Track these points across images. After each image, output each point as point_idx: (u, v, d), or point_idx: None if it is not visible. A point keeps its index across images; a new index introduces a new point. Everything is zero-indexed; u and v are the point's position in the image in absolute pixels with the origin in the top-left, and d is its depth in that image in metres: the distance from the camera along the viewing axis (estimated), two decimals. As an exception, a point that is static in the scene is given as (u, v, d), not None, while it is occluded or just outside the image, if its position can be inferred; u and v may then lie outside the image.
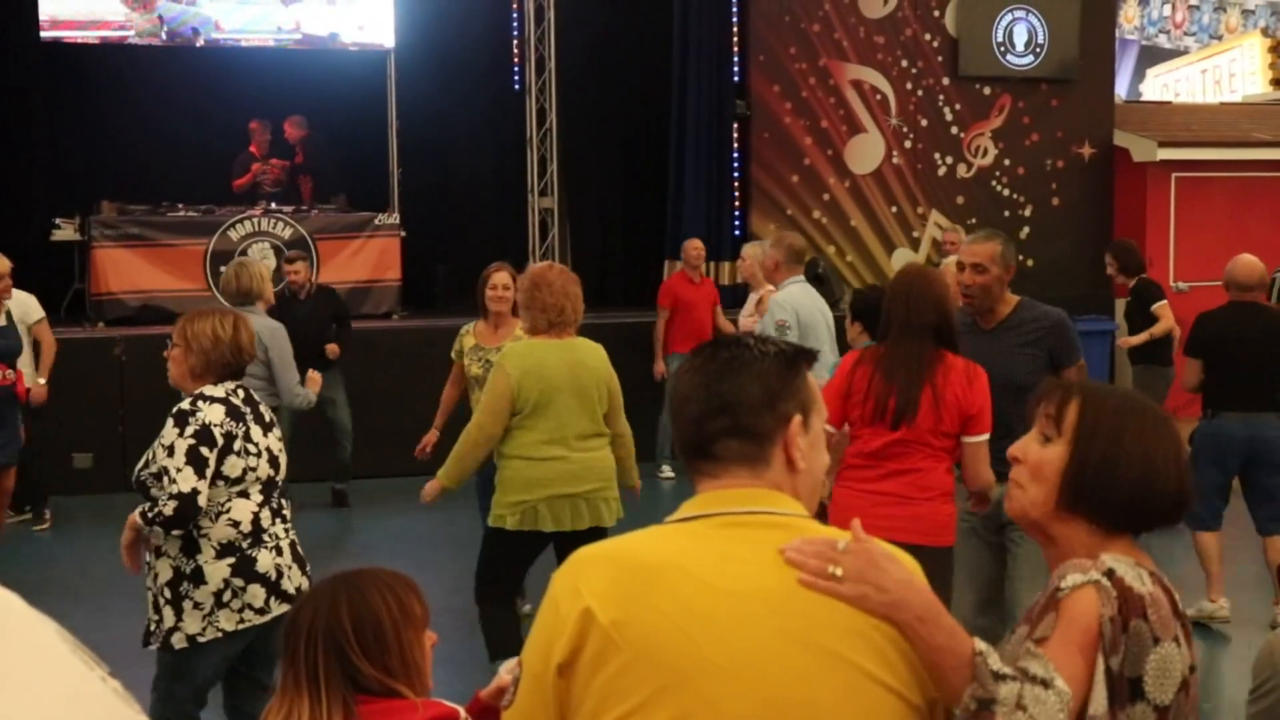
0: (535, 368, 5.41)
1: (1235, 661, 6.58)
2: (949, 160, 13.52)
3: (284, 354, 6.91)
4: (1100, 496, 2.19)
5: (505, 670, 2.41)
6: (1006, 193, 13.68)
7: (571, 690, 1.85)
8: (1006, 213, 13.60)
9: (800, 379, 2.00)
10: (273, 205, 12.06)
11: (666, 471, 10.81)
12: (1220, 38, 23.07)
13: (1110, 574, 2.11)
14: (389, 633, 2.45)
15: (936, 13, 13.40)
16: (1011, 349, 5.14)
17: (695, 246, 11.13)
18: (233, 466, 4.22)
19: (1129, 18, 24.21)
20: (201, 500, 4.13)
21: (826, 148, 13.11)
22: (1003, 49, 13.55)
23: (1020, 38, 13.59)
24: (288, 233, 11.72)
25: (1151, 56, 24.26)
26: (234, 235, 11.60)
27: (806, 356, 2.04)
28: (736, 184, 13.15)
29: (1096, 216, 13.77)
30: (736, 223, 13.06)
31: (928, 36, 13.39)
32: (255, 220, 11.72)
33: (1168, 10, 24.33)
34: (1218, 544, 6.96)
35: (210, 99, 12.73)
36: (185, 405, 4.24)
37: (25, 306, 8.56)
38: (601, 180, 14.21)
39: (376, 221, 12.11)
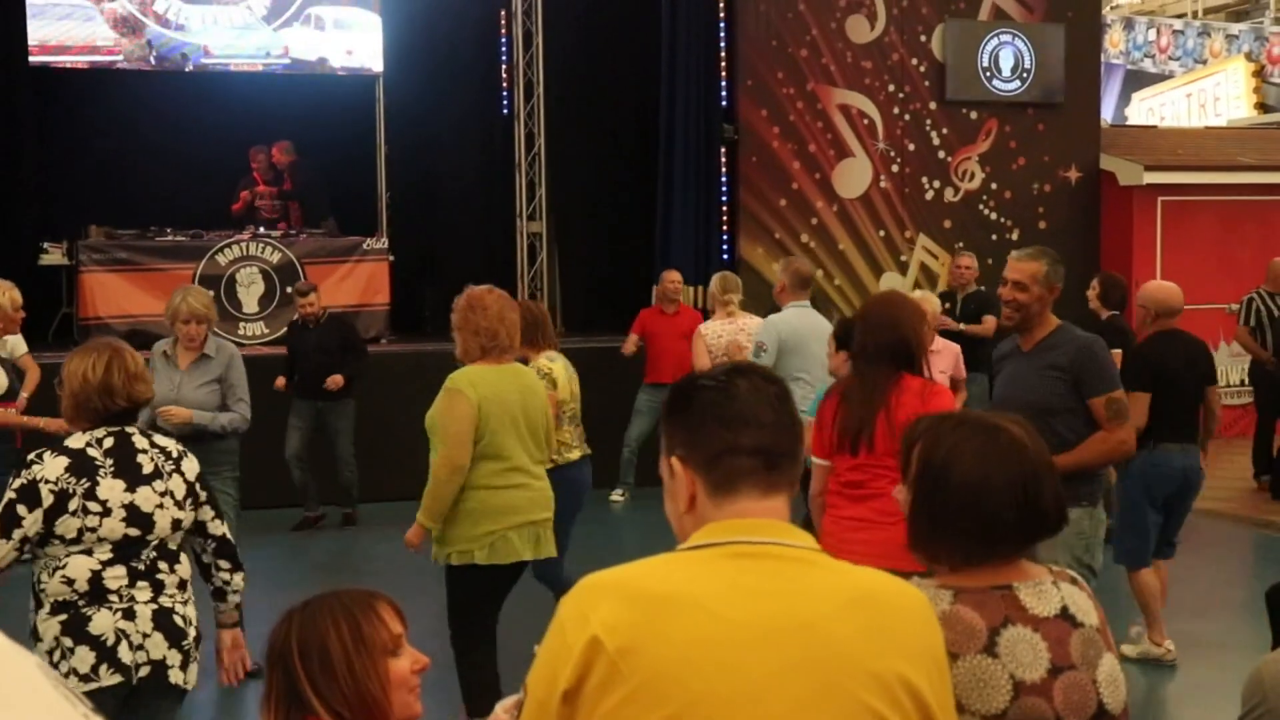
0: (492, 395, 5.25)
1: (1227, 687, 6.58)
2: (936, 184, 13.56)
3: (244, 375, 6.62)
4: (930, 542, 2.30)
5: (502, 709, 2.38)
6: (994, 216, 13.73)
7: (575, 718, 1.84)
8: (994, 236, 13.63)
9: None
10: (261, 230, 12.07)
11: (617, 495, 10.73)
12: (1205, 62, 23.22)
13: None
14: (337, 660, 2.38)
15: (923, 38, 13.46)
16: (1037, 372, 5.05)
17: (672, 279, 10.94)
18: (66, 526, 3.87)
19: (1114, 42, 24.36)
20: None
21: (814, 172, 13.15)
22: (989, 74, 13.61)
23: (1006, 62, 13.65)
24: (276, 257, 11.72)
25: (1137, 80, 24.41)
26: (222, 260, 11.59)
27: None
28: (725, 208, 13.16)
29: (1084, 240, 13.81)
30: (725, 247, 13.08)
31: (914, 61, 13.45)
32: (243, 245, 11.72)
33: (1153, 35, 24.49)
34: (1158, 580, 6.84)
35: (199, 123, 12.74)
36: (32, 455, 3.97)
37: (15, 341, 8.55)
38: (590, 204, 14.23)
39: (365, 246, 12.12)
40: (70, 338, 11.53)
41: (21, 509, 3.86)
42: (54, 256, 11.62)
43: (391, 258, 12.21)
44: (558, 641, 1.88)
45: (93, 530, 3.88)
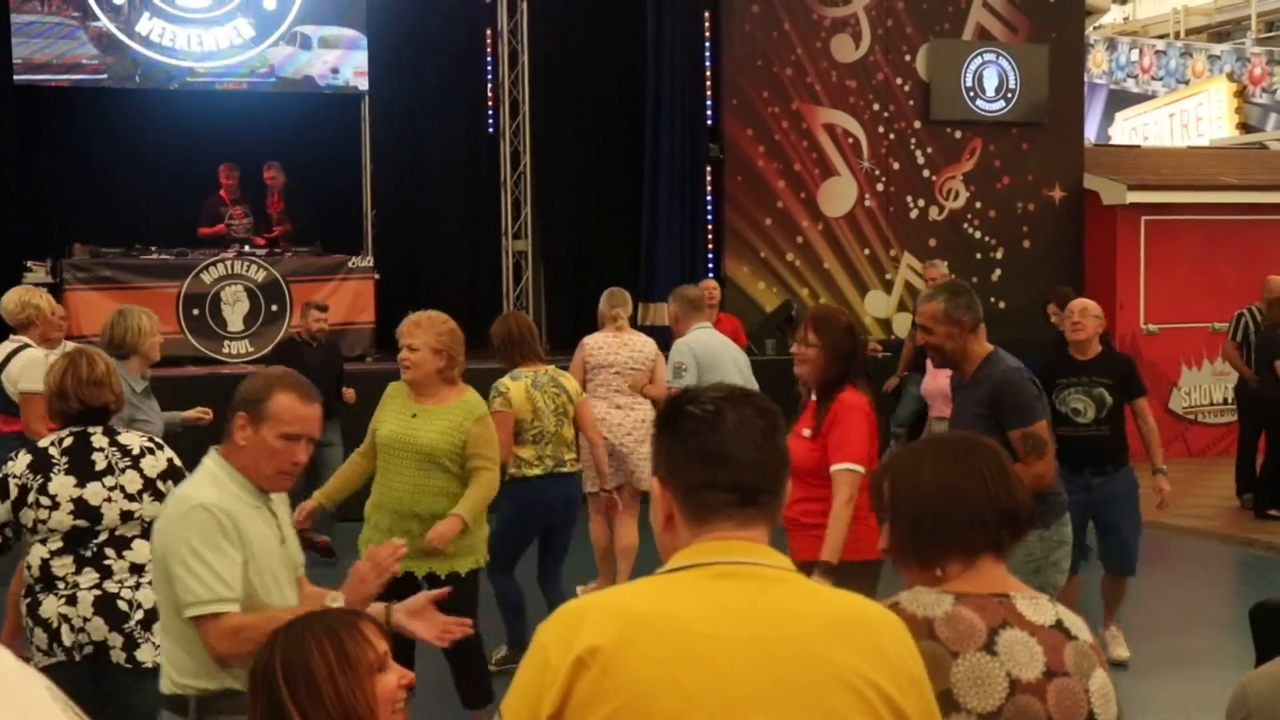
0: None
1: (1211, 704, 6.59)
2: (921, 203, 13.60)
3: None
4: (917, 542, 2.38)
5: None
6: (978, 235, 13.77)
7: None
8: (978, 255, 13.68)
9: None
10: (246, 248, 12.06)
11: None
12: (1187, 82, 23.36)
13: (892, 607, 2.26)
14: (322, 682, 2.37)
15: (908, 57, 13.52)
16: (967, 407, 5.02)
17: (709, 286, 10.48)
18: (26, 517, 4.32)
19: (1097, 62, 24.50)
20: None
21: (799, 190, 13.18)
22: (972, 93, 13.67)
23: (990, 82, 13.72)
24: (261, 275, 11.70)
25: (1120, 100, 24.55)
26: (207, 278, 11.58)
27: None
28: (710, 227, 13.19)
29: (1067, 259, 13.87)
30: (710, 265, 13.10)
31: (899, 81, 13.50)
32: (229, 263, 11.70)
33: (1135, 55, 24.63)
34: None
35: (184, 141, 12.72)
36: (11, 454, 4.46)
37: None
38: (575, 223, 14.25)
39: (350, 264, 12.11)
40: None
41: None
42: (38, 275, 11.55)
43: (377, 276, 12.20)
44: (539, 667, 1.87)
45: (43, 522, 4.30)
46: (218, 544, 3.21)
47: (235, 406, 3.36)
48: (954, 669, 2.23)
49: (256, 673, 2.42)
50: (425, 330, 5.42)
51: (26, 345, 7.27)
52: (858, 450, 4.85)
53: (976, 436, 2.53)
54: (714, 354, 7.41)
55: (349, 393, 9.72)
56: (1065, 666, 2.29)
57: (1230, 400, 12.57)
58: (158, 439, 4.57)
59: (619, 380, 8.03)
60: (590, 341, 8.36)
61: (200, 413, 6.76)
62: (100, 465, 4.34)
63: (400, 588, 5.22)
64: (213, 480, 3.33)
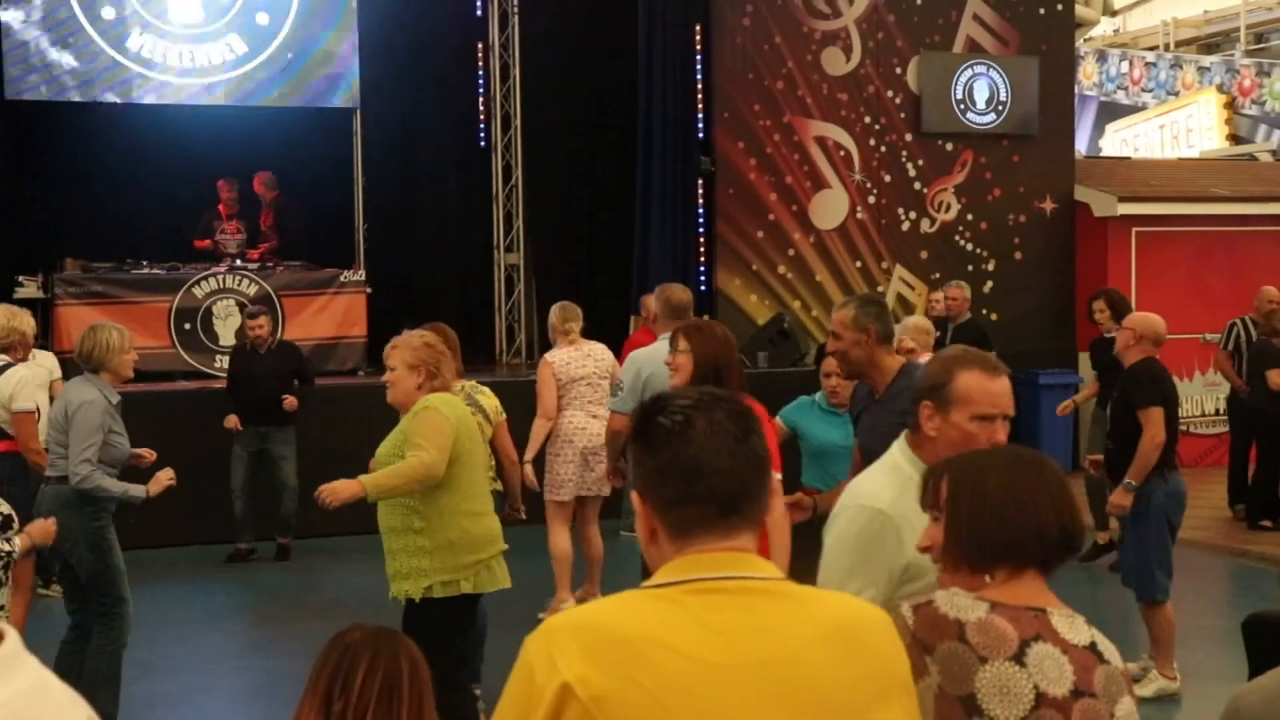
0: (463, 417, 5.27)
1: (1204, 716, 6.59)
2: (912, 215, 13.62)
3: (81, 428, 5.90)
4: (975, 545, 2.37)
5: None
6: (970, 247, 13.79)
7: None
8: (970, 267, 13.70)
9: None
10: (238, 262, 12.06)
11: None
12: (1177, 94, 23.42)
13: (925, 605, 2.29)
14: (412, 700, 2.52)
15: (898, 70, 13.55)
16: (884, 421, 4.82)
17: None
18: None
19: (1088, 74, 24.56)
20: None
21: (791, 203, 13.20)
22: (963, 106, 13.70)
23: (981, 94, 13.75)
24: (253, 289, 11.69)
25: (1110, 112, 24.62)
26: (198, 292, 11.57)
27: None
28: (702, 239, 13.20)
29: (1059, 270, 13.90)
30: (702, 278, 13.11)
31: (890, 93, 13.53)
32: (220, 277, 11.70)
33: (1125, 67, 24.70)
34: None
35: (176, 156, 12.72)
36: None
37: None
38: (567, 236, 14.26)
39: (342, 278, 12.10)
40: (45, 371, 11.46)
41: None
42: (29, 290, 11.56)
43: (369, 290, 12.20)
44: (525, 686, 1.85)
45: None
46: (868, 553, 2.99)
47: (917, 397, 3.14)
48: (980, 674, 2.24)
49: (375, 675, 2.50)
50: (401, 350, 5.39)
51: (10, 364, 7.28)
52: (777, 458, 4.79)
53: (1041, 453, 2.52)
54: (662, 376, 6.35)
55: (289, 400, 9.81)
56: (1094, 688, 2.28)
57: (1222, 411, 12.58)
58: None
59: (590, 391, 8.06)
60: (555, 359, 8.25)
61: (146, 452, 6.47)
62: None
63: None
64: (893, 473, 3.10)
